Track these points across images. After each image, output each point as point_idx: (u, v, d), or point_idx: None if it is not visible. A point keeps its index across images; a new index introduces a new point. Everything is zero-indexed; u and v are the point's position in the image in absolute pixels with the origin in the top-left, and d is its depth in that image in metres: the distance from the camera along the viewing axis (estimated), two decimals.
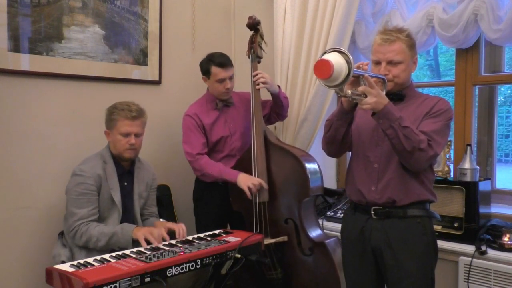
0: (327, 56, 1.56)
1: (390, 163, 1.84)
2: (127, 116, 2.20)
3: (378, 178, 1.85)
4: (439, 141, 1.76)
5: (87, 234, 2.09)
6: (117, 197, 2.22)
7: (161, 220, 2.38)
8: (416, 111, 1.84)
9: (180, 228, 2.17)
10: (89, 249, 2.13)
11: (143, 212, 2.40)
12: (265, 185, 2.43)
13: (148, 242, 2.02)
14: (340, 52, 1.57)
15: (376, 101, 1.65)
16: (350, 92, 1.66)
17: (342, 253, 2.06)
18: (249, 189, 2.39)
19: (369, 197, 1.86)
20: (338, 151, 2.00)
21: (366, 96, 1.66)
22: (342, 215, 2.71)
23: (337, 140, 1.89)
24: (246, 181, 2.41)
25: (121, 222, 2.23)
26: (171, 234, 2.15)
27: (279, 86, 2.65)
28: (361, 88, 1.65)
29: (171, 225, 2.20)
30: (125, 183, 2.29)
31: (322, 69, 1.54)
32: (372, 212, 1.86)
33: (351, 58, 1.55)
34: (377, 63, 1.84)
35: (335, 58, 1.54)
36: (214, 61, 2.57)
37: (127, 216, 2.28)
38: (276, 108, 2.67)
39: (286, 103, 2.68)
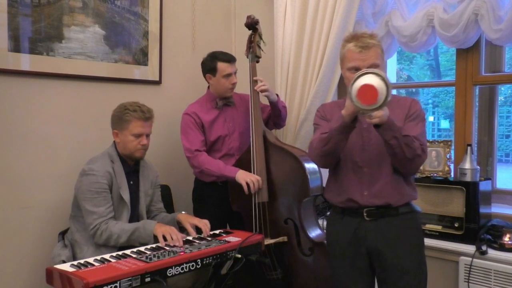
0: (366, 80, 1.53)
1: (382, 167, 1.85)
2: (141, 117, 2.21)
3: (370, 182, 1.85)
4: (426, 144, 1.82)
5: (108, 232, 2.10)
6: (126, 195, 2.23)
7: (183, 212, 2.38)
8: (393, 114, 1.79)
9: (205, 226, 2.22)
10: (97, 246, 2.15)
11: (151, 209, 2.43)
12: (260, 185, 2.43)
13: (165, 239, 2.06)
14: (375, 74, 1.55)
15: (383, 114, 1.64)
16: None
17: (330, 259, 2.02)
18: (247, 184, 2.39)
19: (363, 202, 1.85)
20: (333, 162, 1.94)
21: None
22: None
23: (337, 153, 1.86)
24: (244, 176, 2.42)
25: (129, 220, 2.24)
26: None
27: (277, 95, 2.65)
28: None
29: (197, 222, 2.24)
30: (131, 182, 2.30)
31: (367, 95, 1.51)
32: (365, 214, 1.86)
33: (388, 80, 1.53)
34: (357, 69, 1.82)
35: (376, 82, 1.52)
36: (219, 57, 2.60)
37: (133, 214, 2.29)
38: (274, 117, 2.68)
39: (284, 112, 2.68)
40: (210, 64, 2.62)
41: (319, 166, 1.97)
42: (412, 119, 1.85)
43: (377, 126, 1.69)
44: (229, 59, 2.61)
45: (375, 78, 1.54)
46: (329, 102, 2.05)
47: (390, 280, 1.85)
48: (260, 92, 2.54)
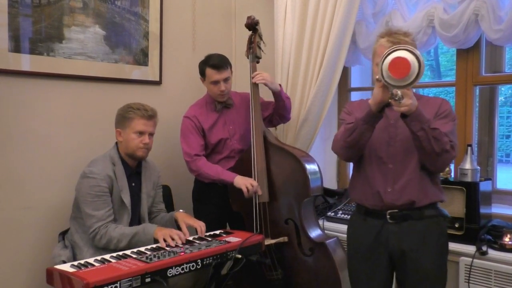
0: (399, 53, 1.51)
1: (408, 163, 1.82)
2: (143, 115, 2.23)
3: (394, 179, 1.83)
4: (455, 142, 1.78)
5: (107, 236, 2.10)
6: (127, 198, 2.23)
7: (181, 211, 2.38)
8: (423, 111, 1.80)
9: (201, 226, 2.22)
10: (96, 249, 2.14)
11: (152, 210, 2.42)
12: (259, 191, 2.43)
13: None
14: (409, 50, 1.53)
15: (412, 103, 1.63)
16: (400, 93, 1.59)
17: (350, 261, 2.01)
18: (247, 188, 2.40)
19: (386, 199, 1.83)
20: (356, 155, 1.93)
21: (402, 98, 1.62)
22: (343, 215, 2.72)
23: (361, 144, 1.83)
24: (243, 181, 2.43)
25: (130, 223, 2.24)
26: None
27: (280, 85, 2.62)
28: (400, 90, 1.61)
29: (192, 222, 2.25)
30: (133, 184, 2.30)
31: (400, 67, 1.49)
32: (388, 216, 1.84)
33: (421, 57, 1.52)
34: None
35: (409, 56, 1.50)
36: (209, 63, 2.56)
37: (135, 216, 2.28)
38: (278, 109, 2.65)
39: (288, 103, 2.65)
40: (201, 67, 2.61)
41: (342, 158, 1.96)
42: (442, 117, 1.82)
43: (404, 116, 1.67)
44: (218, 65, 2.54)
45: (408, 53, 1.53)
46: (357, 100, 2.07)
47: (409, 283, 1.83)
48: (258, 83, 2.51)
